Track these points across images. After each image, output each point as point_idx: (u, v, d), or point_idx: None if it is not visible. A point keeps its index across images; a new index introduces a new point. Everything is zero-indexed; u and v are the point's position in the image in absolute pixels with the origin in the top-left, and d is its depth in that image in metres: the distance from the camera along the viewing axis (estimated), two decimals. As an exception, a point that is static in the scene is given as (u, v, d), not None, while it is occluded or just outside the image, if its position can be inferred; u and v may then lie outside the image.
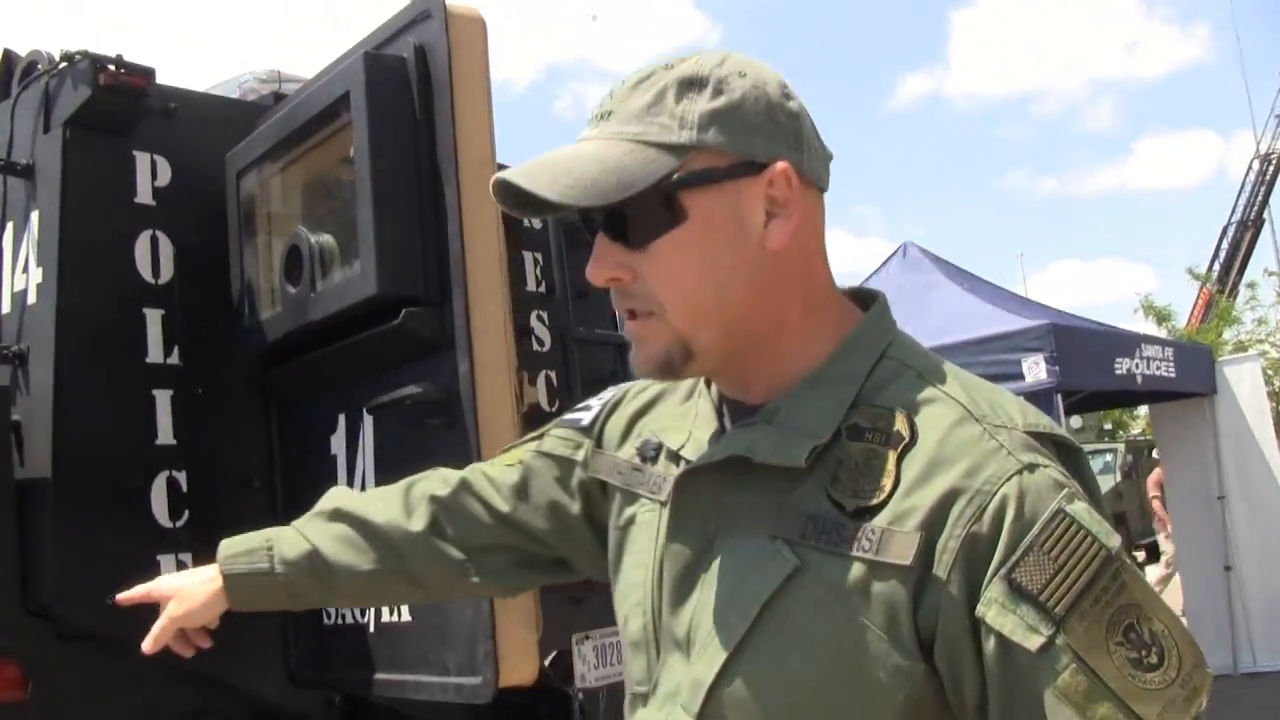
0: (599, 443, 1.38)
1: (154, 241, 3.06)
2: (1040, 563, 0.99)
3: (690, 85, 1.12)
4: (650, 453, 1.29)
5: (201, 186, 3.12)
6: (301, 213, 2.93)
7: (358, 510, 1.55)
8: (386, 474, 2.58)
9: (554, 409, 3.43)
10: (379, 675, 2.73)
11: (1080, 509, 1.00)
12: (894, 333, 1.19)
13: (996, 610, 0.98)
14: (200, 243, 3.12)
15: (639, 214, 1.12)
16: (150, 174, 3.08)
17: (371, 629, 2.71)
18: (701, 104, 1.11)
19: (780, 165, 1.12)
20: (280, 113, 2.95)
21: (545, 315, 3.56)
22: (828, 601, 1.06)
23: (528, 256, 3.66)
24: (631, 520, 1.28)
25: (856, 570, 1.04)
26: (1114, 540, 1.00)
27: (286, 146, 2.89)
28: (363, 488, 2.68)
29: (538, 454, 1.45)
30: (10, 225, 3.09)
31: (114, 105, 2.95)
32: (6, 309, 3.06)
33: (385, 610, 2.68)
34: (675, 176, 1.10)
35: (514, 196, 1.15)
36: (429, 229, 2.52)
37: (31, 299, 2.97)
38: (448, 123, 2.51)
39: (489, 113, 2.54)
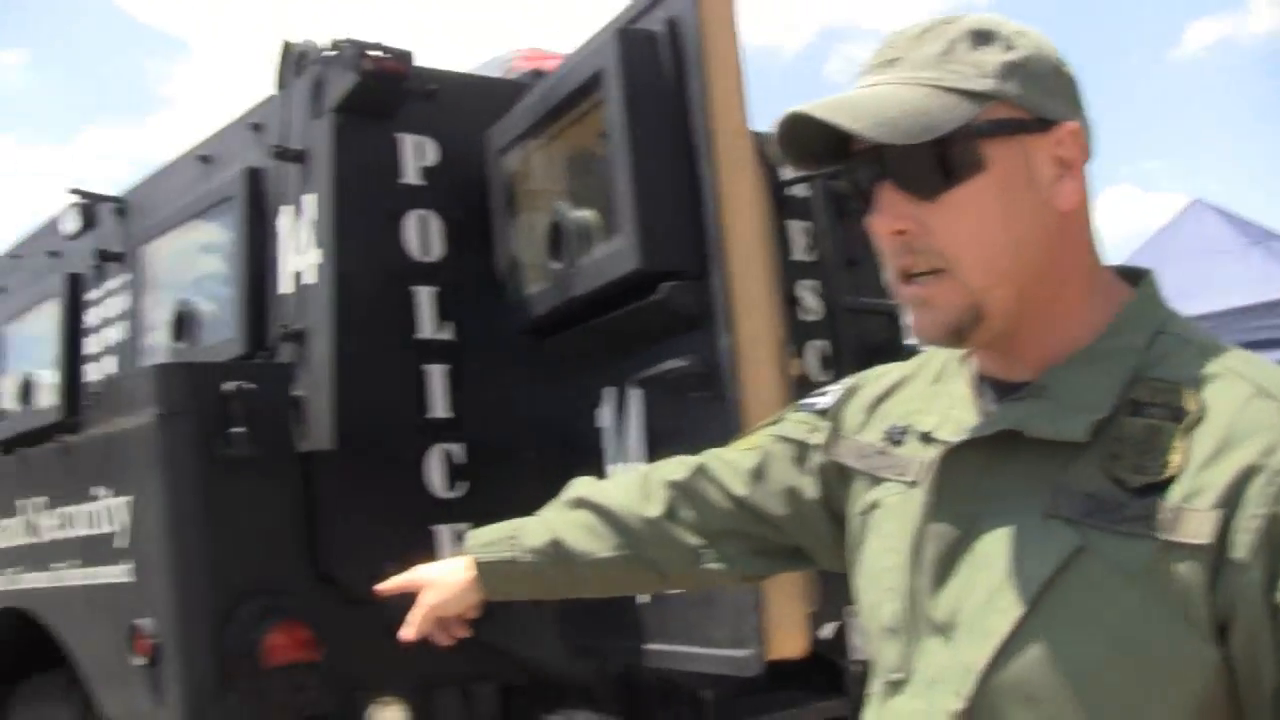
0: (837, 427, 1.45)
1: (423, 220, 3.33)
2: None
3: (982, 37, 1.18)
4: (897, 436, 1.34)
5: (466, 165, 3.36)
6: (562, 188, 3.12)
7: (597, 498, 1.69)
8: (652, 445, 2.79)
9: (825, 379, 3.54)
10: (651, 646, 2.92)
11: None
12: (1168, 309, 1.22)
13: None
14: (467, 220, 3.37)
15: (935, 161, 1.16)
16: (416, 155, 3.34)
17: (643, 600, 2.91)
18: (998, 56, 1.17)
19: (1070, 125, 1.18)
20: (537, 91, 3.15)
21: (814, 285, 3.67)
22: (1113, 583, 1.08)
23: (794, 225, 3.76)
24: (876, 504, 1.34)
25: (1145, 550, 1.06)
26: None
27: (544, 124, 3.09)
28: (629, 460, 2.87)
29: (775, 438, 1.53)
30: (288, 210, 3.40)
31: (377, 90, 3.22)
32: (286, 289, 3.38)
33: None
34: (978, 123, 1.15)
35: (796, 143, 1.22)
36: (687, 203, 2.67)
37: (309, 279, 3.29)
38: (701, 96, 2.65)
39: (741, 84, 2.66)
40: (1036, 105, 1.16)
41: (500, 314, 3.31)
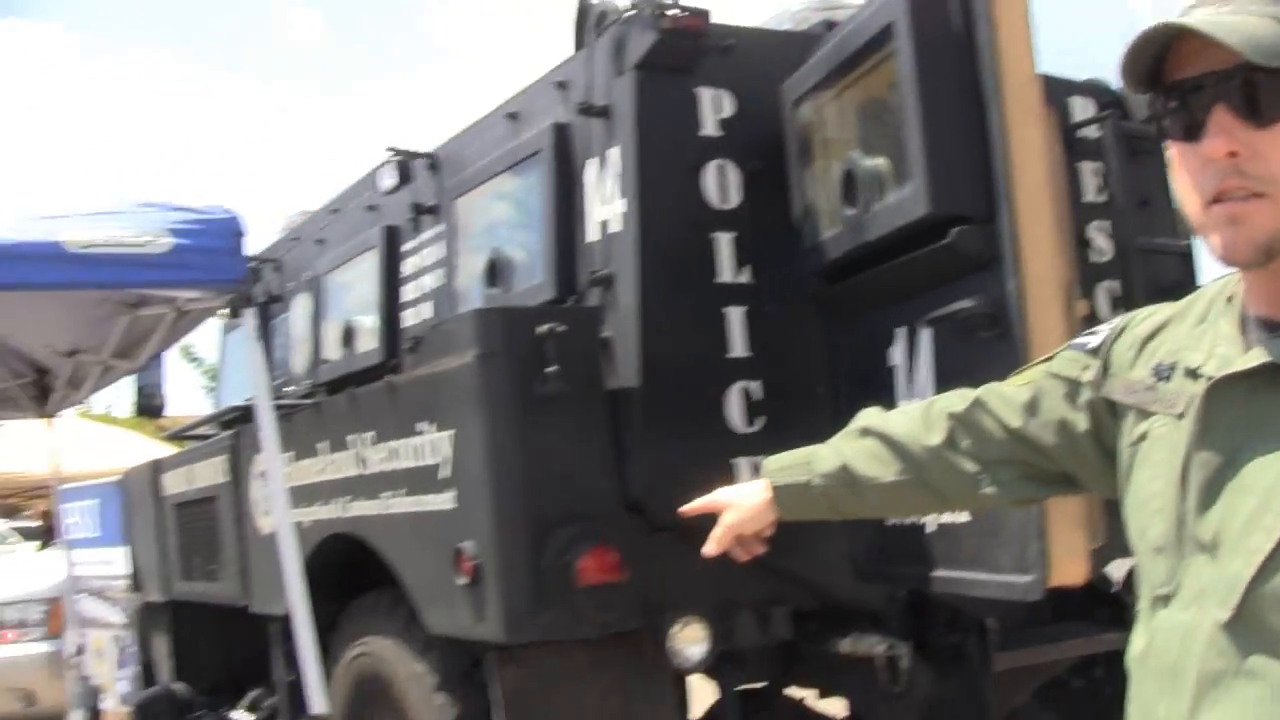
0: (1106, 365, 1.68)
1: (721, 170, 3.70)
2: None
3: None
4: (1165, 372, 1.55)
5: (762, 116, 3.71)
6: (854, 137, 3.44)
7: (883, 427, 2.01)
8: (942, 383, 3.08)
9: (1115, 313, 3.75)
10: (937, 572, 3.24)
11: None
12: None
13: None
14: (763, 169, 3.72)
15: (1276, 89, 1.33)
16: (714, 107, 3.71)
17: (929, 528, 3.22)
18: None
19: None
20: (830, 43, 3.47)
21: (1105, 226, 3.87)
22: None
23: (1085, 167, 3.96)
24: (1144, 436, 1.56)
25: None
26: None
27: (837, 75, 3.42)
28: (920, 398, 3.18)
29: (1048, 374, 1.78)
30: (594, 163, 3.82)
31: (677, 46, 3.60)
32: (593, 237, 3.81)
33: (942, 510, 3.17)
34: None
35: (1141, 65, 1.41)
36: (976, 150, 2.96)
37: (615, 228, 3.71)
38: (989, 45, 2.92)
39: (1029, 32, 2.92)
40: None
41: (795, 258, 3.66)
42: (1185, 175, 1.42)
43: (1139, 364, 1.62)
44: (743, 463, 3.66)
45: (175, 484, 6.30)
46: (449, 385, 3.62)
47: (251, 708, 6.12)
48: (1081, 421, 1.73)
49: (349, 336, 5.26)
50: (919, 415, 1.97)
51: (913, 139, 3.04)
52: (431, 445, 3.72)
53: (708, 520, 2.39)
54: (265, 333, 6.13)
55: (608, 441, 3.59)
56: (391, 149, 4.89)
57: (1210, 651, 1.40)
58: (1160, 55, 1.41)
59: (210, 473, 5.71)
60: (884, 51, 3.17)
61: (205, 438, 6.75)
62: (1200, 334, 1.54)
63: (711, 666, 3.90)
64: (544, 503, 3.50)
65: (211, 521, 5.74)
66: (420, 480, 3.80)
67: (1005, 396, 1.85)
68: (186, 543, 6.23)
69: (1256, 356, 1.40)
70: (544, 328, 3.44)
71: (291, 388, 5.91)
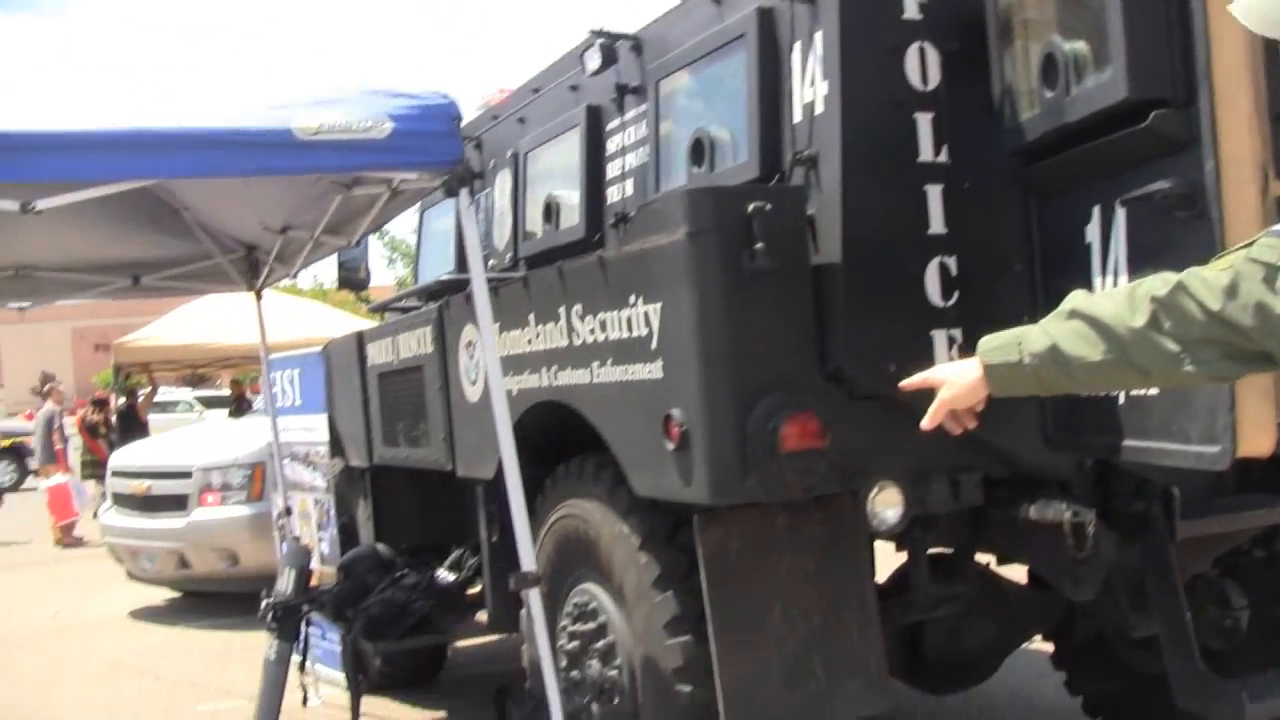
0: None
1: (921, 52, 3.94)
2: None
3: None
4: None
5: (960, 1, 3.93)
6: (1054, 21, 3.64)
7: (1089, 309, 2.30)
8: (1137, 261, 3.33)
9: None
10: (1126, 442, 3.51)
11: None
12: None
13: None
14: (960, 50, 3.95)
15: None
16: (916, -11, 3.94)
17: (1121, 399, 3.48)
18: None
19: None
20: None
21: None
22: None
23: (1286, 38, 4.09)
24: None
25: None
26: None
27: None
28: (1115, 276, 3.42)
29: (1247, 259, 2.05)
30: (798, 46, 4.08)
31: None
32: (798, 119, 4.09)
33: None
34: None
35: None
36: (1175, 34, 3.17)
37: (819, 109, 3.98)
38: (1195, -69, 3.11)
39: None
40: None
41: (992, 138, 3.89)
42: None
43: None
44: (939, 336, 3.96)
45: (379, 354, 6.79)
46: (660, 261, 3.95)
47: (453, 567, 6.64)
48: (1279, 304, 1.98)
49: (551, 213, 5.64)
50: (1124, 298, 2.25)
51: (1113, 23, 3.26)
52: (641, 317, 4.07)
53: (909, 392, 2.72)
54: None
55: (810, 315, 3.89)
56: (595, 30, 5.19)
57: None
58: None
59: (416, 343, 6.16)
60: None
61: (407, 310, 7.24)
62: None
63: (903, 531, 4.23)
64: (750, 372, 3.83)
65: (417, 390, 6.21)
66: (629, 351, 4.16)
67: (1206, 280, 2.11)
68: (389, 410, 6.73)
69: None
70: (752, 206, 3.74)
71: (492, 262, 6.32)
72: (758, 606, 4.01)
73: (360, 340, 7.15)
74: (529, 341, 4.90)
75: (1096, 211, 3.55)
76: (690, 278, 3.83)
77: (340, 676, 7.45)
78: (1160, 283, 2.20)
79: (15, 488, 24.04)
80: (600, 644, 4.69)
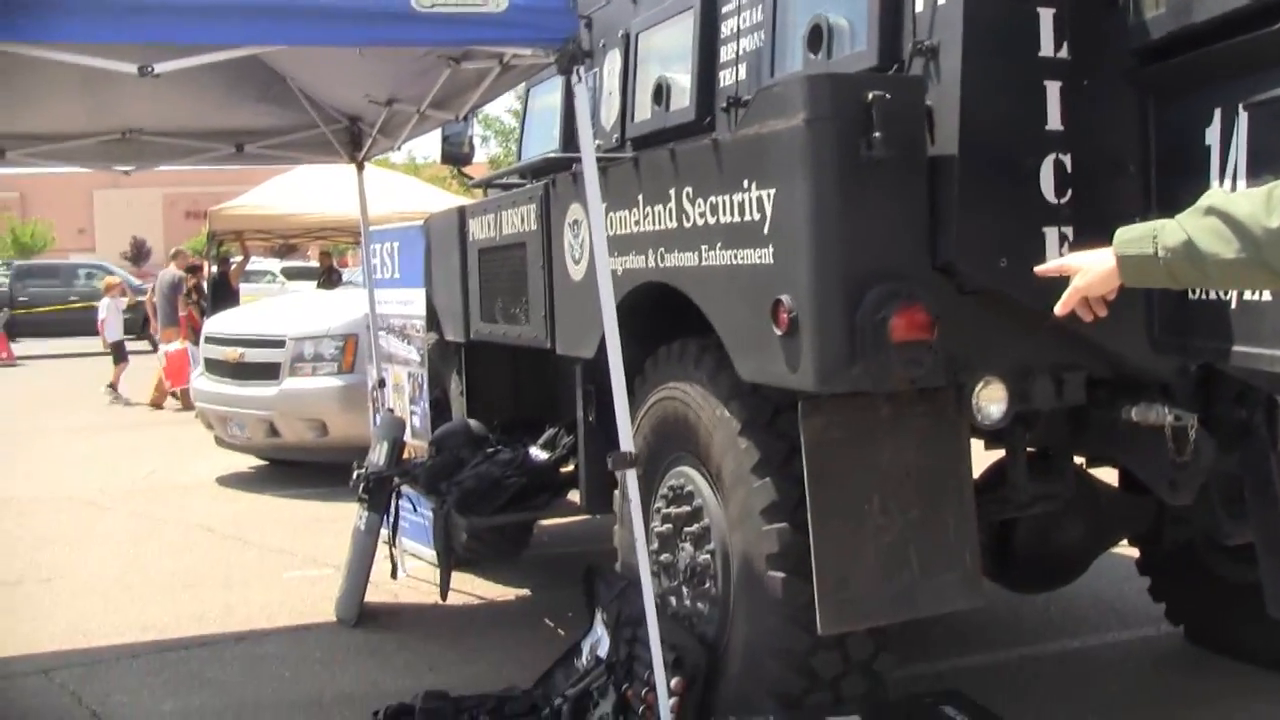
0: None
1: (1051, -56, 4.00)
2: None
3: None
4: None
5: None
6: (1189, -82, 3.69)
7: (1226, 207, 2.42)
8: (1257, 167, 3.40)
9: None
10: (1236, 347, 3.60)
11: None
12: None
13: None
14: (1088, -55, 4.00)
15: None
16: (1045, -121, 3.99)
17: (1233, 305, 3.57)
18: None
19: None
20: None
21: None
22: None
23: None
24: None
25: None
26: None
27: None
28: (1234, 179, 3.50)
29: None
30: (927, -68, 4.15)
31: None
32: (920, 8, 4.17)
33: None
34: None
35: None
36: (1314, -63, 3.21)
37: (941, 0, 4.05)
38: None
39: None
40: None
41: (1115, 36, 3.95)
42: None
43: None
44: (1051, 233, 4.05)
45: (481, 230, 6.97)
46: (776, 146, 4.06)
47: (547, 446, 6.87)
48: None
49: (661, 94, 5.75)
50: (1262, 198, 2.38)
51: (1251, -76, 3.31)
52: (754, 202, 4.19)
53: (1019, 285, 2.85)
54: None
55: (924, 206, 4.00)
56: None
57: None
58: None
59: (519, 220, 6.33)
60: None
61: (509, 187, 7.41)
62: None
63: (1004, 427, 4.36)
64: (861, 261, 3.95)
65: (518, 267, 6.39)
66: (740, 235, 4.29)
67: None
68: (489, 287, 6.92)
69: None
70: (871, 95, 3.84)
71: (599, 142, 6.46)
72: (856, 496, 4.16)
73: (462, 215, 7.33)
74: (636, 223, 5.04)
75: (1218, 114, 3.61)
76: (806, 164, 3.94)
77: (427, 551, 7.79)
78: None
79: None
80: (694, 527, 4.89)
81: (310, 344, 10.97)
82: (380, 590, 7.30)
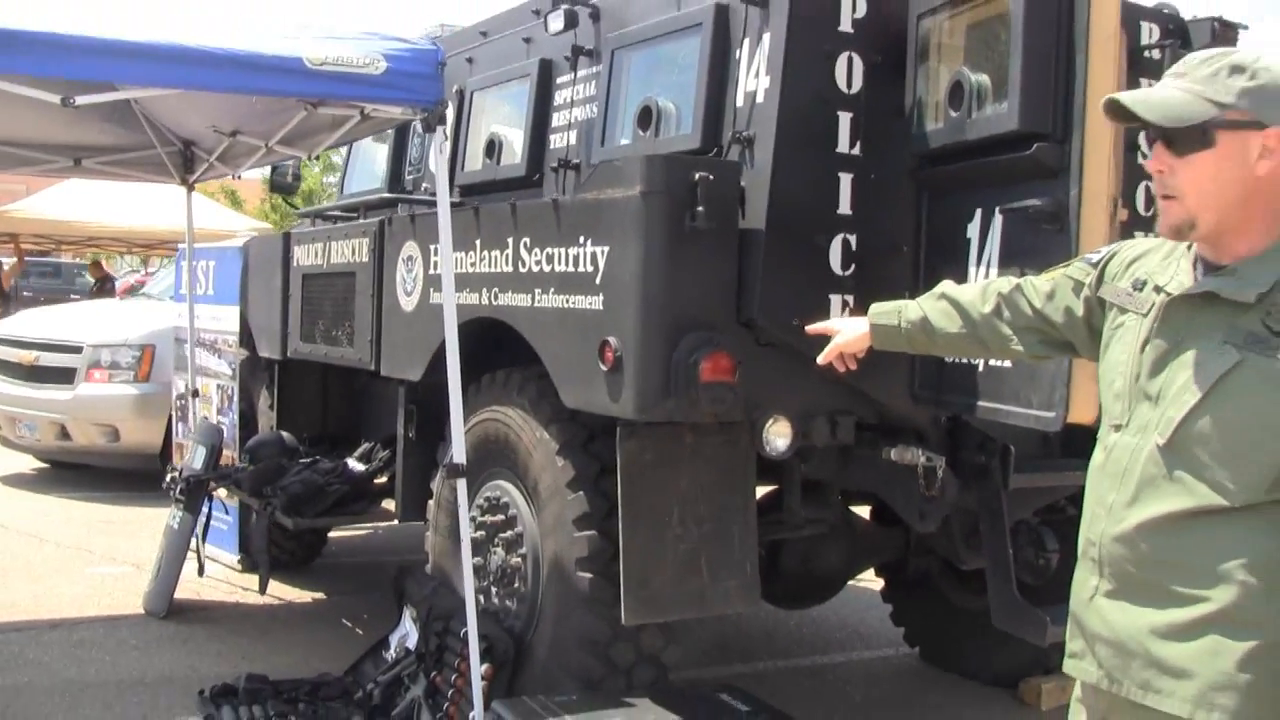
0: (1101, 275, 2.80)
1: (849, 61, 4.74)
2: None
3: (1238, 69, 2.41)
4: (1140, 285, 2.65)
5: (885, 19, 4.75)
6: (965, 54, 4.48)
7: (954, 294, 3.17)
8: (1006, 258, 4.19)
9: (1149, 213, 4.79)
10: (981, 403, 4.39)
11: None
12: None
13: None
14: (881, 63, 4.76)
15: (1189, 136, 2.40)
16: (850, 8, 4.73)
17: (980, 367, 4.36)
18: (1241, 83, 2.40)
19: (1276, 129, 2.39)
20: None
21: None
22: (1256, 379, 2.33)
23: (1144, 81, 4.98)
24: (1121, 325, 2.68)
25: (1278, 365, 2.36)
26: None
27: (958, 3, 4.45)
28: (988, 267, 4.28)
29: (1065, 275, 2.91)
30: (747, 41, 4.86)
31: (830, -43, 4.61)
32: (740, 103, 4.87)
33: (995, 354, 4.29)
34: (1215, 120, 2.38)
35: (1118, 111, 2.50)
36: (1061, 84, 4.03)
37: (760, 99, 4.76)
38: (1084, 4, 3.96)
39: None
40: (1259, 114, 2.43)
41: (900, 140, 4.72)
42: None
43: (1123, 277, 2.74)
44: (836, 299, 4.77)
45: (307, 257, 7.42)
46: (613, 211, 4.68)
47: (363, 458, 7.35)
48: (1080, 309, 2.88)
49: (494, 149, 6.34)
50: (979, 290, 3.15)
51: (1013, 68, 4.11)
52: (589, 256, 4.81)
53: (804, 342, 3.58)
54: (408, 135, 7.22)
55: (734, 271, 4.67)
56: (558, -8, 5.92)
57: (1149, 463, 2.52)
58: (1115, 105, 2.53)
59: (350, 251, 6.81)
60: (1001, -6, 4.21)
61: (335, 218, 7.88)
62: (1166, 264, 2.65)
63: (786, 459, 5.07)
64: (679, 312, 4.59)
65: (345, 294, 6.87)
66: (573, 283, 4.90)
67: (1035, 285, 3.01)
68: (311, 309, 7.36)
69: (1201, 287, 2.50)
70: (698, 175, 4.50)
71: (426, 186, 7.01)
72: (661, 510, 4.79)
73: (287, 241, 7.74)
74: (473, 264, 5.59)
75: (979, 213, 4.41)
76: (639, 229, 4.57)
77: (226, 555, 8.19)
78: (1005, 283, 3.09)
79: None
80: (508, 534, 5.47)
81: (108, 351, 11.12)
82: (184, 588, 7.63)
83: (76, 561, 8.67)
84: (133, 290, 19.70)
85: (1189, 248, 2.61)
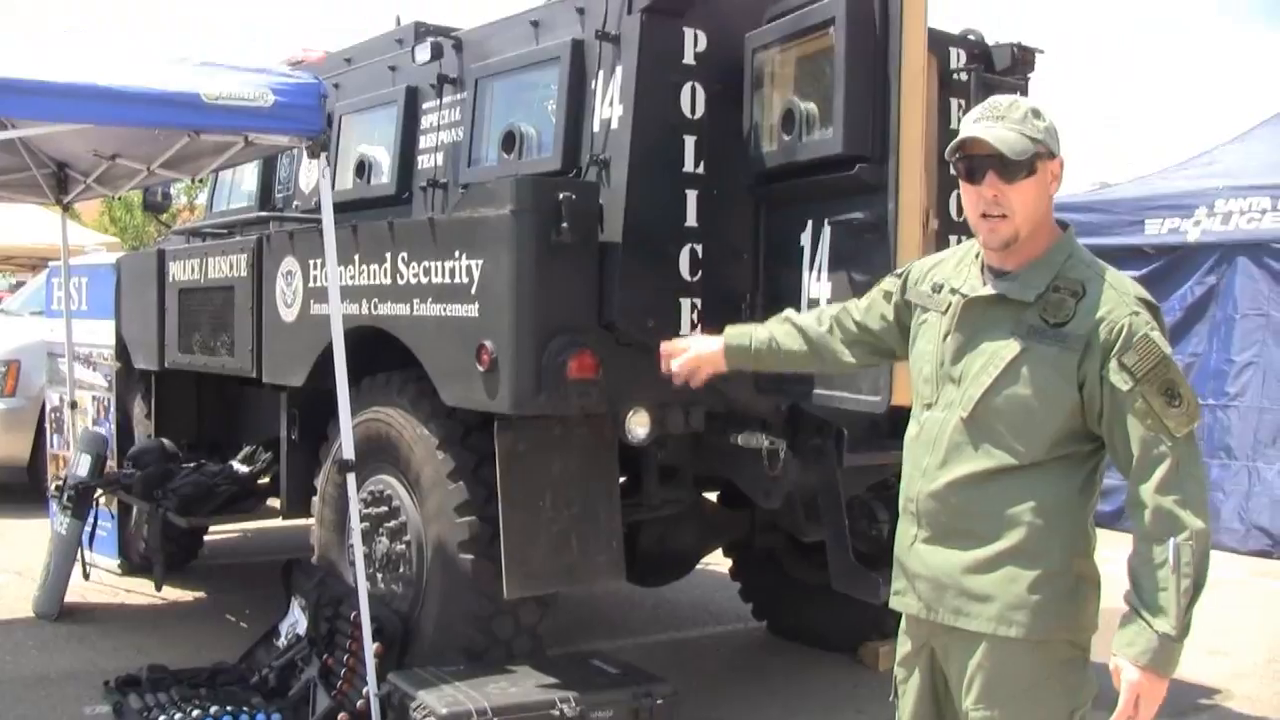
0: (905, 283, 3.36)
1: (693, 89, 5.25)
2: (1134, 354, 2.89)
3: (1036, 114, 3.03)
4: (938, 288, 3.22)
5: (723, 52, 5.27)
6: (794, 85, 5.03)
7: (796, 319, 3.70)
8: (835, 263, 4.74)
9: (960, 218, 5.36)
10: (816, 390, 4.93)
11: (1155, 334, 2.91)
12: (1075, 242, 3.11)
13: (1112, 372, 2.90)
14: (721, 91, 5.28)
15: (1019, 166, 2.94)
16: (693, 43, 5.24)
17: (815, 361, 4.90)
18: (1042, 123, 3.03)
19: (1060, 158, 3.06)
20: (788, 18, 5.02)
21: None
22: (1037, 363, 2.94)
23: (954, 103, 5.60)
24: (925, 321, 3.25)
25: (1053, 350, 2.94)
26: (1167, 347, 2.91)
27: (789, 39, 5.00)
28: (819, 271, 4.83)
29: (877, 290, 3.47)
30: (601, 73, 5.34)
31: (674, -2, 5.13)
32: (596, 129, 5.35)
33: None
34: (1035, 152, 2.95)
35: (964, 142, 3.01)
36: (878, 112, 4.59)
37: (614, 125, 5.25)
38: (897, 41, 4.53)
39: (924, 38, 4.54)
40: (1053, 148, 3.04)
41: (740, 161, 5.25)
42: (967, 197, 3.10)
43: (924, 282, 3.31)
44: (685, 302, 5.28)
45: (182, 272, 7.71)
46: (485, 228, 5.13)
47: (246, 460, 7.67)
48: (892, 314, 3.44)
49: (364, 169, 6.74)
50: (815, 315, 3.71)
51: (837, 98, 4.67)
52: (464, 269, 5.25)
53: (659, 339, 4.07)
54: (277, 155, 7.56)
55: (595, 279, 5.14)
56: (421, 24, 6.34)
57: (955, 432, 3.09)
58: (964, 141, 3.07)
59: (228, 267, 7.13)
60: (825, 33, 4.76)
61: (206, 235, 8.17)
62: (959, 270, 3.22)
63: (645, 446, 5.57)
64: (548, 317, 5.04)
65: (223, 307, 7.19)
66: (450, 293, 5.33)
67: (856, 305, 3.56)
68: (188, 322, 7.67)
69: (990, 289, 3.09)
70: (562, 195, 4.96)
71: (296, 203, 7.37)
72: (535, 494, 5.25)
73: (161, 258, 8.02)
74: (352, 277, 5.99)
75: (810, 224, 4.95)
76: (511, 243, 5.02)
77: (106, 560, 8.45)
78: (837, 308, 3.63)
79: None
80: (392, 524, 5.87)
81: (-30, 368, 11.19)
82: (70, 592, 7.83)
83: (-47, 572, 8.80)
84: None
85: (976, 256, 3.18)
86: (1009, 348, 3.01)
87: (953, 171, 3.13)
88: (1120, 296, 2.96)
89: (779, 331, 3.71)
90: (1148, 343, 2.90)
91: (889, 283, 3.45)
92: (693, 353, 3.91)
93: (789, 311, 3.81)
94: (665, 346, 4.05)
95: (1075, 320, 2.96)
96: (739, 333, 3.82)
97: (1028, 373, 2.98)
